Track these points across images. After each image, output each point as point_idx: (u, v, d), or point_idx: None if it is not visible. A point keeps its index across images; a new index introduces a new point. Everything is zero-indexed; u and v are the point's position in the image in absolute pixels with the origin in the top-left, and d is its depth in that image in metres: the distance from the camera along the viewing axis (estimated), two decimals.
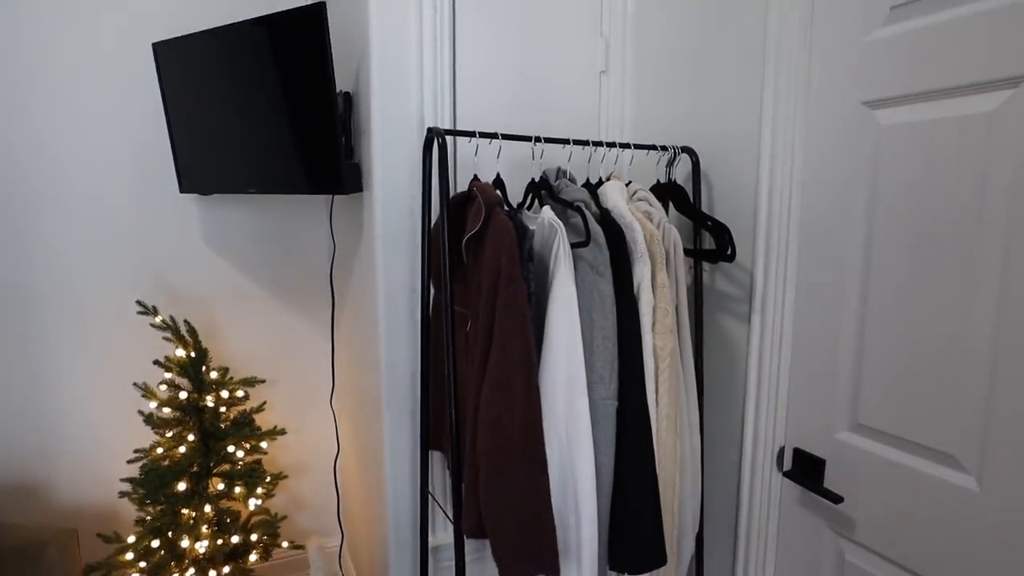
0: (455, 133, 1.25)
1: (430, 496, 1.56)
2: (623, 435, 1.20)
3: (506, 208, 1.25)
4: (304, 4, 1.66)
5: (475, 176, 1.29)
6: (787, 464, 1.36)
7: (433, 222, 1.38)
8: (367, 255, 1.62)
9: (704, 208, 1.49)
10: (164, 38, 1.91)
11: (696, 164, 1.46)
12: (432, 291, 1.44)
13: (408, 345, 1.57)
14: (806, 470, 1.31)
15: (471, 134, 1.26)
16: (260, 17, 1.57)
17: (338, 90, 1.57)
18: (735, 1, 1.39)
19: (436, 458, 1.62)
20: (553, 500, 1.16)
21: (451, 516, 1.66)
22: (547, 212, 1.23)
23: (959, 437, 1.05)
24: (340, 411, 2.12)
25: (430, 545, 1.59)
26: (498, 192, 1.23)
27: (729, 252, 1.32)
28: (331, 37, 1.47)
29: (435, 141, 1.25)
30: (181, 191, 1.97)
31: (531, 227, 1.23)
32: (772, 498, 1.40)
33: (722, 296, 1.49)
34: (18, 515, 2.08)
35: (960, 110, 1.01)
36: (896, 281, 1.12)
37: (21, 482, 2.08)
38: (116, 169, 2.04)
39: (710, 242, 1.41)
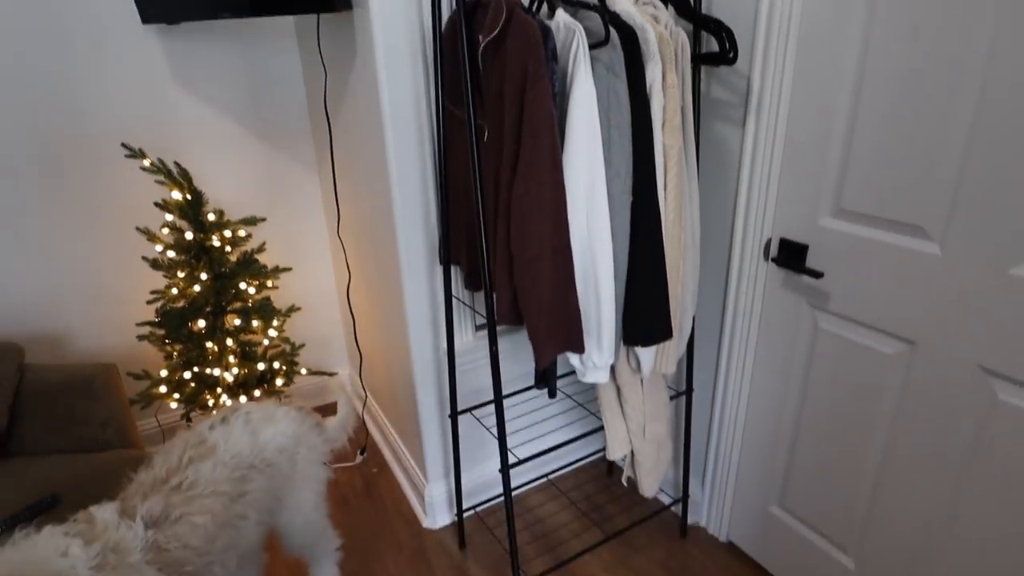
0: None
1: (455, 299, 1.70)
2: (636, 226, 1.33)
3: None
4: None
5: None
6: (773, 252, 1.54)
7: (441, 33, 1.38)
8: (366, 76, 1.61)
9: (704, 12, 1.52)
10: None
11: None
12: (441, 107, 1.47)
13: (417, 164, 1.62)
14: (791, 255, 1.49)
15: None
16: None
17: None
18: None
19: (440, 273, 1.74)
20: (576, 285, 1.30)
21: (480, 311, 1.83)
22: (561, 15, 1.24)
23: (930, 212, 1.21)
24: (347, 240, 2.20)
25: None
26: None
27: (731, 54, 1.38)
28: None
29: None
30: (144, 21, 1.84)
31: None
32: (758, 284, 1.59)
33: (718, 103, 1.57)
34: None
35: None
36: (889, 70, 1.21)
37: (42, 334, 2.14)
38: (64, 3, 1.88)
39: (709, 46, 1.46)
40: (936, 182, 1.18)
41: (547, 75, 1.16)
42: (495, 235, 1.33)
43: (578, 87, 1.21)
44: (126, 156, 1.92)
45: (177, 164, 1.99)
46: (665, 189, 1.36)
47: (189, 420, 2.31)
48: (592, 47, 1.22)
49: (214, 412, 2.17)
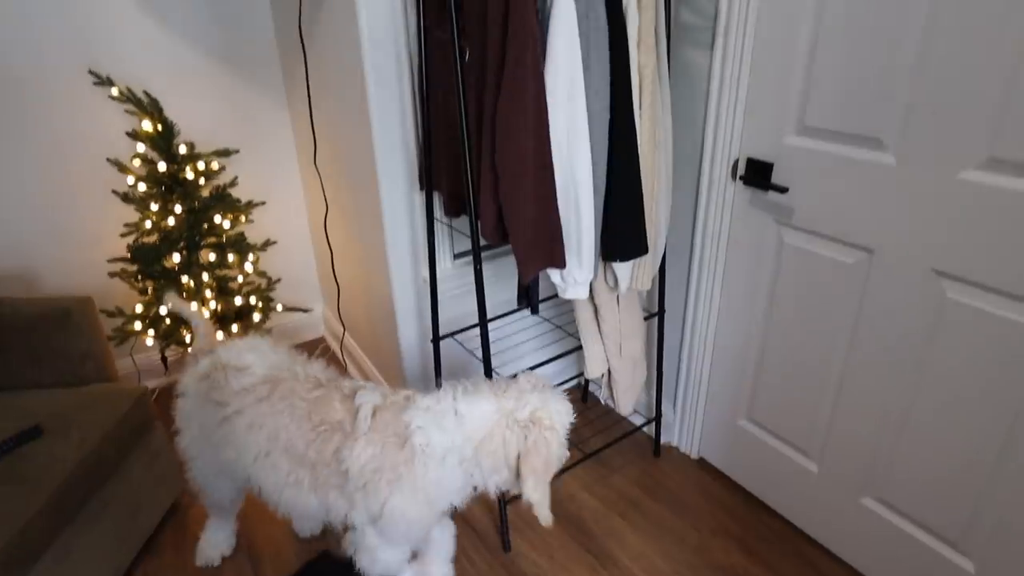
0: None
1: (438, 222, 1.74)
2: (613, 144, 1.39)
3: None
4: None
5: None
6: (741, 171, 1.62)
7: None
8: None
9: None
10: None
11: None
12: (423, 29, 1.48)
13: (396, 89, 1.63)
14: (757, 173, 1.57)
15: None
16: None
17: None
18: None
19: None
20: (558, 201, 1.36)
21: (467, 233, 1.87)
22: None
23: (886, 123, 1.29)
24: (324, 171, 2.19)
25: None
26: None
27: None
28: None
29: None
30: None
31: None
32: (726, 203, 1.68)
33: (687, 27, 1.61)
34: None
35: None
36: None
37: (8, 274, 2.10)
38: None
39: None
40: (891, 95, 1.27)
41: None
42: (479, 155, 1.37)
43: (559, 7, 1.24)
44: (94, 84, 1.87)
45: (147, 94, 1.95)
46: (640, 108, 1.42)
47: (165, 359, 2.32)
48: None
49: (190, 349, 2.19)
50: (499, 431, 1.16)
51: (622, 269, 1.54)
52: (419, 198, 1.80)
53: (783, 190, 1.50)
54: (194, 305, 2.09)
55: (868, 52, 1.28)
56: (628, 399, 1.84)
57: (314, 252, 2.69)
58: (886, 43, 1.24)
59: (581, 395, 2.40)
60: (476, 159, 1.38)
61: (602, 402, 1.85)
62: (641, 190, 1.44)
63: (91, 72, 1.86)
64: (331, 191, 2.20)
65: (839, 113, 1.37)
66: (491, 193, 1.35)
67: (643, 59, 1.39)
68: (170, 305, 1.59)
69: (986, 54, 1.11)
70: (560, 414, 1.18)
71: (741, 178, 1.60)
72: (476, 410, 1.18)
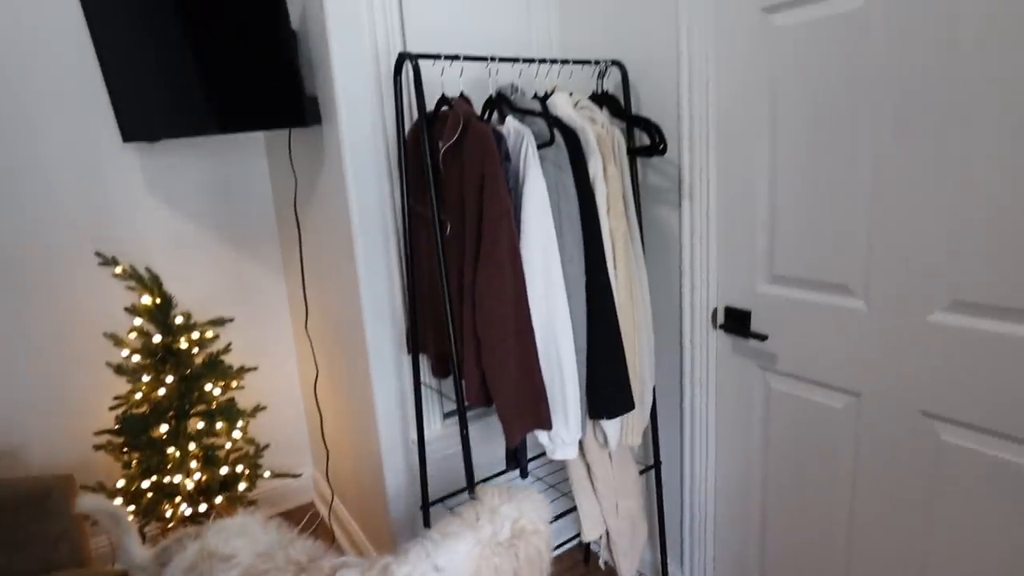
0: (423, 56, 1.39)
1: (424, 386, 1.74)
2: (592, 304, 1.44)
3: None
4: None
5: (443, 95, 1.44)
6: (720, 320, 1.66)
7: (405, 141, 1.52)
8: (334, 181, 1.73)
9: (634, 112, 1.72)
10: None
11: (625, 75, 1.68)
12: (407, 207, 1.59)
13: (383, 259, 1.71)
14: (736, 321, 1.61)
15: (436, 57, 1.40)
16: None
17: None
18: None
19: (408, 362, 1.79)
20: (540, 363, 1.38)
21: (451, 395, 1.86)
22: (511, 121, 1.40)
23: (851, 270, 1.35)
24: (315, 336, 2.24)
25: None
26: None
27: (661, 146, 1.56)
28: None
29: (406, 64, 1.38)
30: (124, 140, 1.94)
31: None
32: (710, 350, 1.70)
33: (655, 188, 1.74)
34: None
35: (836, 8, 1.27)
36: (796, 154, 1.40)
37: None
38: (49, 124, 1.98)
39: (642, 141, 1.64)
40: (850, 243, 1.34)
41: (502, 174, 1.30)
42: (461, 321, 1.41)
43: (530, 182, 1.34)
44: (99, 264, 1.96)
45: (148, 270, 2.04)
46: (615, 268, 1.48)
47: (144, 535, 2.21)
48: (540, 147, 1.37)
49: (171, 525, 2.09)
50: (486, 564, 1.09)
51: (610, 426, 1.53)
52: (407, 360, 1.83)
53: (763, 337, 1.53)
54: (178, 477, 2.03)
55: (822, 206, 1.37)
56: (630, 562, 1.74)
57: (305, 416, 2.66)
58: (838, 197, 1.34)
59: (583, 556, 2.26)
60: (459, 325, 1.42)
61: (602, 565, 1.74)
62: (622, 347, 1.46)
63: (97, 254, 1.96)
64: (322, 356, 2.23)
65: (805, 262, 1.44)
66: (474, 358, 1.37)
67: (613, 224, 1.48)
68: (86, 507, 1.45)
69: (932, 201, 1.19)
70: (539, 511, 1.14)
71: (721, 327, 1.64)
72: (456, 556, 1.11)
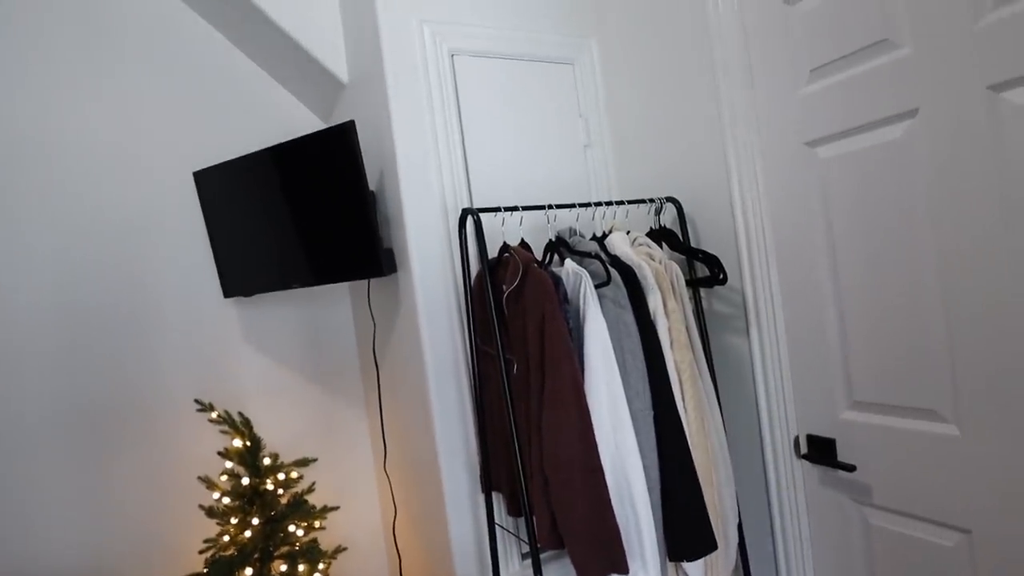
0: (484, 210, 1.52)
1: (498, 527, 1.72)
2: (662, 438, 1.42)
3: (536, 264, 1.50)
4: (333, 125, 1.95)
5: (504, 243, 1.56)
6: (803, 449, 1.58)
7: (471, 286, 1.63)
8: (409, 325, 1.85)
9: (693, 245, 1.77)
10: (201, 167, 2.20)
11: (680, 210, 1.75)
12: (475, 347, 1.67)
13: (456, 398, 1.77)
14: (820, 451, 1.53)
15: (496, 209, 1.53)
16: (299, 138, 1.86)
17: None
18: (687, 75, 1.73)
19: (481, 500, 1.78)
20: (612, 503, 1.35)
21: (524, 537, 1.81)
22: (569, 263, 1.48)
23: (936, 393, 1.28)
24: (393, 476, 2.28)
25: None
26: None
27: (721, 277, 1.58)
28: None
29: (468, 218, 1.51)
30: (225, 296, 2.18)
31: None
32: (796, 482, 1.60)
33: (721, 316, 1.74)
34: None
35: (877, 140, 1.32)
36: (859, 275, 1.39)
37: None
38: (167, 286, 2.26)
39: (703, 272, 1.68)
40: (932, 364, 1.28)
41: (561, 315, 1.36)
42: (530, 459, 1.42)
43: (590, 321, 1.39)
44: (197, 411, 2.13)
45: (240, 414, 2.19)
46: (684, 400, 1.47)
47: None
48: (598, 286, 1.43)
49: None
50: None
51: (694, 568, 1.44)
52: (483, 499, 1.82)
53: (851, 468, 1.44)
54: None
55: (895, 325, 1.33)
56: None
57: (386, 556, 2.64)
58: (910, 314, 1.30)
59: None
60: (528, 463, 1.43)
61: None
62: (698, 483, 1.41)
63: (197, 401, 2.14)
64: (400, 494, 2.26)
65: (885, 387, 1.38)
66: (543, 498, 1.36)
67: (678, 356, 1.48)
68: None
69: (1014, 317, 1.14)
70: None
71: (805, 456, 1.56)
72: None
